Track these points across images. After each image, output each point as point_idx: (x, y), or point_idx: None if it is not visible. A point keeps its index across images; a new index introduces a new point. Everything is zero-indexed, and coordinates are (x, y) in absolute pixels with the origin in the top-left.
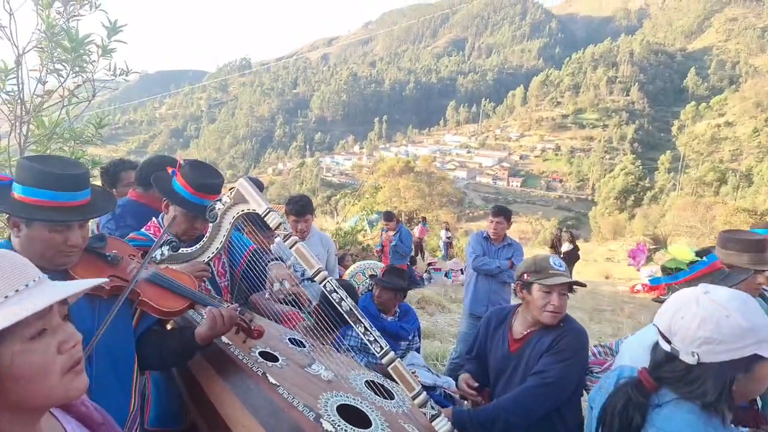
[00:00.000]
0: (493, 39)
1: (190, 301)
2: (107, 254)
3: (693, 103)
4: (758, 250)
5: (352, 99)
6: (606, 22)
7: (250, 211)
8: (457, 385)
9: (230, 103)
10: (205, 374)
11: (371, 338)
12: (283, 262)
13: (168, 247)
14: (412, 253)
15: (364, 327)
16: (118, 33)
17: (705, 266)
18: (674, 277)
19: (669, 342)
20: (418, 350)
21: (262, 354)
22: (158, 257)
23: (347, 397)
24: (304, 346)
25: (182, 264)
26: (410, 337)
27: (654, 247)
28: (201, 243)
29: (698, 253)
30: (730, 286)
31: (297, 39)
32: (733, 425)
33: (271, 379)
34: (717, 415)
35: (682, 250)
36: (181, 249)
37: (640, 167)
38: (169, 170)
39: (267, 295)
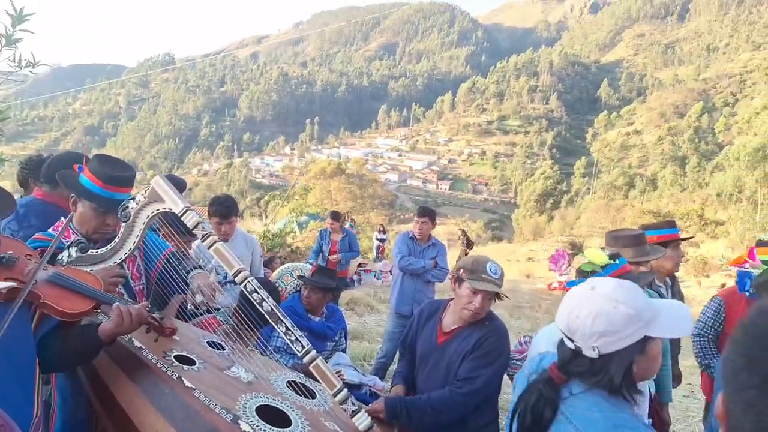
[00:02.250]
0: (423, 45)
1: (95, 302)
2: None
3: (605, 112)
4: (638, 244)
5: (283, 99)
6: (528, 33)
7: (166, 210)
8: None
9: (152, 100)
10: (116, 380)
11: (293, 338)
12: (203, 267)
13: (76, 248)
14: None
15: (286, 326)
16: (24, 22)
17: (616, 269)
18: (598, 275)
19: (572, 340)
20: (344, 351)
21: (178, 357)
22: (65, 259)
23: (267, 397)
24: (224, 349)
25: (94, 267)
26: (336, 337)
27: (572, 252)
28: (112, 244)
29: (611, 257)
30: (641, 286)
31: (225, 36)
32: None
33: (187, 383)
34: (624, 398)
35: (596, 254)
36: (91, 250)
37: (558, 172)
38: (76, 167)
39: (189, 306)
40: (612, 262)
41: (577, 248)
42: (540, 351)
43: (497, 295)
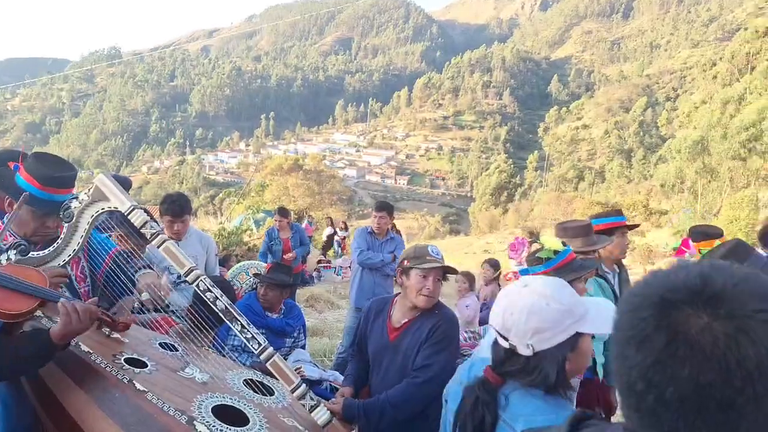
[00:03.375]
0: (379, 40)
1: (39, 300)
2: None
3: (556, 107)
4: (586, 234)
5: (237, 94)
6: (481, 29)
7: (112, 209)
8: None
9: (98, 95)
10: (62, 387)
11: (248, 335)
12: (154, 266)
13: (15, 251)
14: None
15: (241, 325)
16: None
17: (566, 255)
18: (546, 265)
19: (506, 339)
20: (303, 347)
21: (128, 360)
22: (3, 262)
23: (223, 397)
24: (177, 350)
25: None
26: (295, 334)
27: (531, 240)
28: (54, 245)
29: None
30: (588, 272)
31: (174, 29)
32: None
33: (139, 386)
34: (559, 395)
35: (552, 242)
36: (32, 253)
37: (512, 166)
38: (11, 165)
39: (136, 304)
40: (563, 248)
41: (535, 236)
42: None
43: (444, 276)
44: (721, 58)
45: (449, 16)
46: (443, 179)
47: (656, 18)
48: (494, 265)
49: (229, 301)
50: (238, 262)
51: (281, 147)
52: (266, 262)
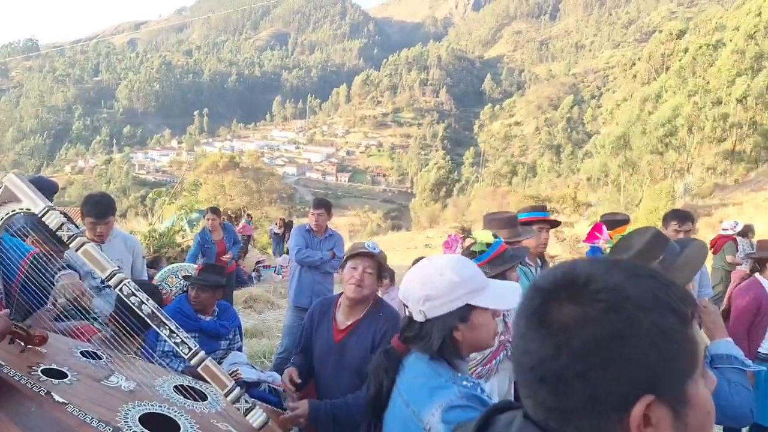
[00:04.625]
0: (316, 36)
1: None
2: None
3: (490, 104)
4: (511, 226)
5: (167, 90)
6: (417, 27)
7: (24, 211)
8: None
9: (13, 90)
10: None
11: (178, 340)
12: (75, 270)
13: None
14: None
15: (169, 329)
16: None
17: (498, 247)
18: (478, 259)
19: (406, 306)
20: (240, 349)
21: (46, 371)
22: None
23: (152, 405)
24: (101, 358)
25: None
26: (230, 336)
27: (463, 235)
28: None
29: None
30: (519, 260)
31: (97, 20)
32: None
33: (58, 398)
34: (443, 362)
35: (484, 235)
36: None
37: (450, 162)
38: None
39: (49, 306)
40: (495, 240)
41: (466, 232)
42: None
43: (379, 274)
44: (639, 59)
45: (386, 14)
46: (384, 176)
47: (581, 19)
48: (391, 273)
49: (156, 305)
50: (171, 264)
51: (216, 144)
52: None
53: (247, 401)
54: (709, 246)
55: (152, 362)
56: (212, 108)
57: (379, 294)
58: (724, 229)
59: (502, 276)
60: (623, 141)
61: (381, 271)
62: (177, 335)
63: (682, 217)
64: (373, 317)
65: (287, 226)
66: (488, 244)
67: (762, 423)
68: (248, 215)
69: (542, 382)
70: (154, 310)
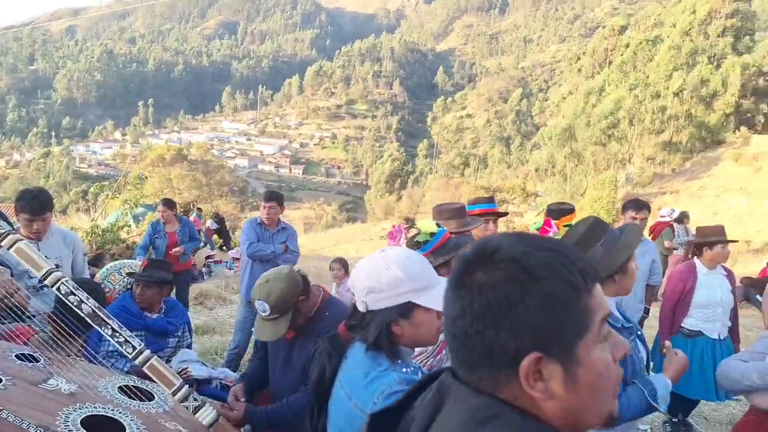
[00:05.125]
0: (267, 25)
1: None
2: None
3: (442, 97)
4: (460, 216)
5: (109, 79)
6: (370, 19)
7: None
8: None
9: None
10: None
11: (121, 339)
12: (8, 267)
13: None
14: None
15: (112, 328)
16: None
17: (441, 236)
18: (422, 249)
19: (353, 295)
20: (189, 346)
21: None
22: None
23: (95, 407)
24: (38, 361)
25: None
26: (179, 333)
27: (407, 226)
28: None
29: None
30: (463, 248)
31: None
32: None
33: None
34: (380, 353)
35: (427, 225)
36: None
37: (404, 154)
38: None
39: None
40: (439, 229)
41: (410, 222)
42: None
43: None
44: (584, 53)
45: (338, 4)
46: (339, 168)
47: (529, 14)
48: (345, 264)
49: (97, 304)
50: (115, 261)
51: (163, 136)
52: (144, 258)
53: (196, 399)
54: (648, 232)
55: (95, 363)
56: (158, 98)
57: (334, 285)
58: (662, 216)
59: (447, 265)
60: (569, 133)
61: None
62: (120, 334)
63: (639, 205)
64: (319, 316)
65: (220, 220)
66: (432, 234)
67: (685, 394)
68: (198, 209)
69: (454, 338)
70: (95, 309)
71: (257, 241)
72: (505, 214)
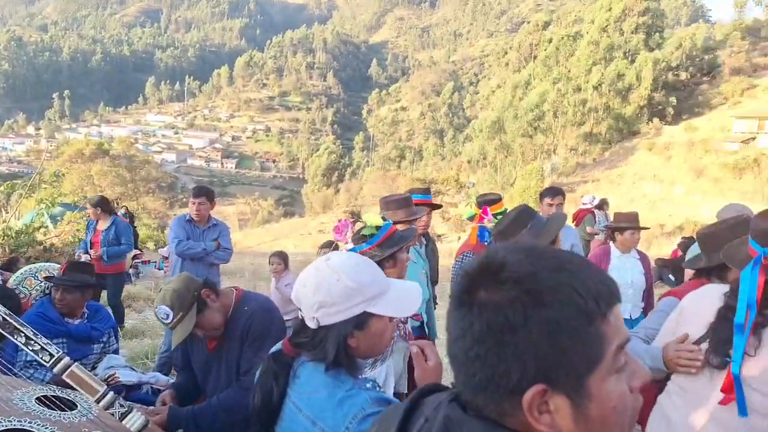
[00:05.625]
0: (192, 13)
1: None
2: None
3: (377, 89)
4: (407, 206)
5: (18, 69)
6: (300, 9)
7: None
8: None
9: None
10: None
11: (37, 348)
12: None
13: None
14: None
15: (25, 336)
16: None
17: (387, 230)
18: (369, 242)
19: (300, 310)
20: (116, 351)
21: None
22: None
23: (9, 421)
24: None
25: None
26: (104, 338)
27: (353, 219)
28: None
29: (384, 219)
30: (409, 241)
31: None
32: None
33: None
34: (341, 369)
35: (373, 218)
36: None
37: (341, 146)
38: None
39: None
40: (385, 223)
41: (356, 216)
42: None
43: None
44: (510, 48)
45: None
46: (274, 161)
47: (458, 8)
48: (285, 258)
49: (8, 311)
50: (31, 264)
51: (81, 130)
52: (81, 252)
53: (122, 405)
54: (571, 219)
55: (9, 375)
56: (74, 90)
57: (273, 281)
58: (583, 204)
59: (393, 257)
60: (498, 125)
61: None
62: (35, 342)
63: (553, 192)
64: (238, 315)
65: (130, 217)
66: (378, 227)
67: None
68: (124, 207)
69: (454, 359)
70: (5, 317)
71: (186, 238)
72: (440, 206)
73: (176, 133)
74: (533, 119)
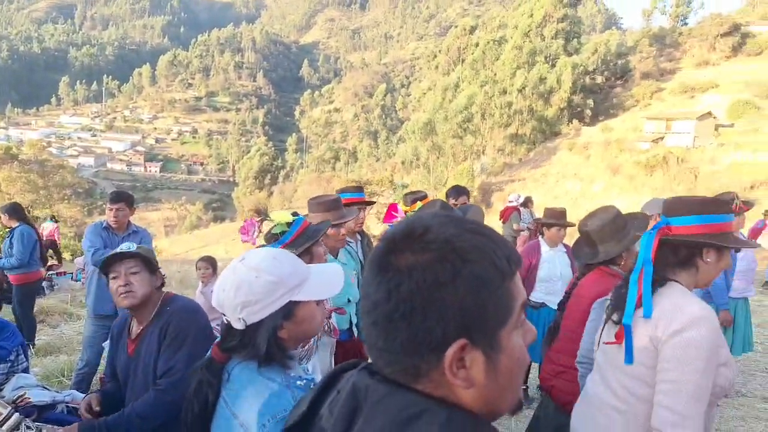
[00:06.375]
0: (109, 10)
1: None
2: None
3: (309, 90)
4: (337, 207)
5: None
6: (227, 7)
7: None
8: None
9: None
10: None
11: None
12: None
13: None
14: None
15: None
16: None
17: (300, 225)
18: (281, 241)
19: (224, 315)
20: (26, 370)
21: None
22: None
23: None
24: None
25: None
26: (12, 357)
27: (260, 219)
28: None
29: (294, 215)
30: (322, 233)
31: None
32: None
33: None
34: (274, 365)
35: (282, 215)
36: None
37: (273, 148)
38: None
39: None
40: (296, 218)
41: (263, 215)
42: None
43: (150, 268)
44: (440, 51)
45: None
46: (202, 164)
47: (388, 11)
48: (213, 263)
49: None
50: None
51: None
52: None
53: (29, 427)
54: (498, 216)
55: None
56: None
57: (200, 285)
58: (509, 202)
59: (309, 252)
60: (430, 127)
61: (151, 264)
62: None
63: (458, 192)
64: (159, 317)
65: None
66: (289, 224)
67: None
68: (52, 216)
69: (374, 326)
70: None
71: (104, 247)
72: (373, 202)
73: (94, 135)
74: (462, 121)
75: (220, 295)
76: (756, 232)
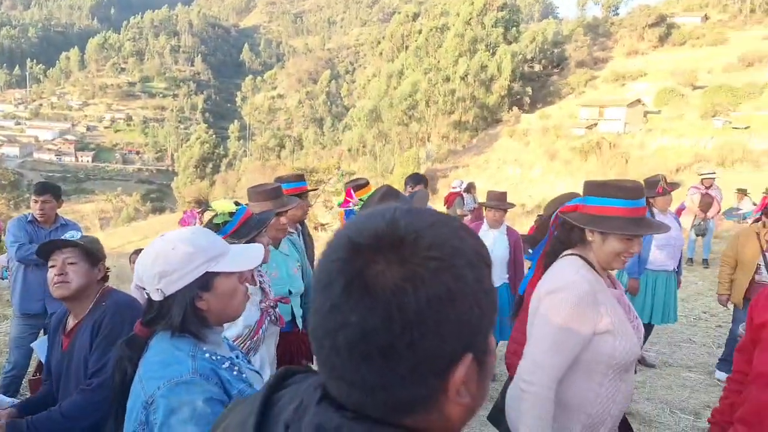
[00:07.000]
0: None
1: None
2: None
3: (250, 76)
4: (277, 196)
5: None
6: None
7: None
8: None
9: None
10: None
11: None
12: None
13: None
14: None
15: None
16: None
17: (243, 214)
18: (223, 231)
19: (144, 288)
20: None
21: None
22: None
23: None
24: None
25: None
26: None
27: (201, 209)
28: None
29: (236, 204)
30: (267, 224)
31: None
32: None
33: None
34: (186, 336)
35: (224, 205)
36: None
37: (214, 136)
38: None
39: None
40: (239, 207)
41: (204, 205)
42: None
43: (91, 260)
44: (384, 38)
45: None
46: (138, 153)
47: None
48: None
49: None
50: None
51: None
52: None
53: None
54: (443, 202)
55: None
56: None
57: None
58: (453, 187)
59: (251, 243)
60: (375, 114)
61: (91, 256)
62: None
63: (415, 180)
64: (94, 311)
65: None
66: (231, 214)
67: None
68: None
69: (366, 360)
70: None
71: (29, 242)
72: (314, 189)
73: (18, 123)
74: (407, 108)
75: (139, 269)
76: (679, 212)
